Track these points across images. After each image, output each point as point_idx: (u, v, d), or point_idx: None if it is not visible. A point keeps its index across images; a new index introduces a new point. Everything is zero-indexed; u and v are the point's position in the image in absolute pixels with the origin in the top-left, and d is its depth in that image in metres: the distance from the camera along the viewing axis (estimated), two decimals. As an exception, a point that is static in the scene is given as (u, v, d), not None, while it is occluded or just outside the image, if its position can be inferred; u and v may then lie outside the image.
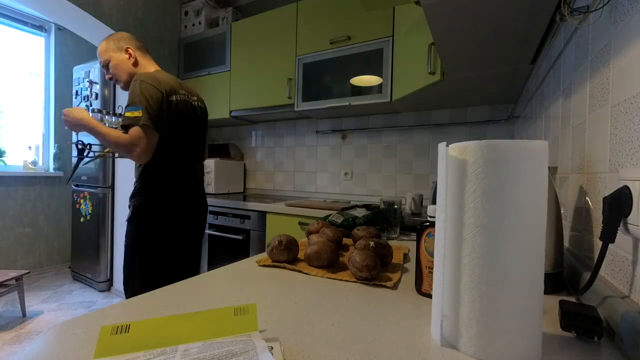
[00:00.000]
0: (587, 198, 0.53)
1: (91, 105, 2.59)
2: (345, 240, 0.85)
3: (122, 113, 1.09)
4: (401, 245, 0.80)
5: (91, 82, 2.58)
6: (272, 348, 0.32)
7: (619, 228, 0.38)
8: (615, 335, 0.36)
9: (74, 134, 1.24)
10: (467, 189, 0.33)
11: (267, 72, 2.14)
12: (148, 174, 1.14)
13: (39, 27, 2.99)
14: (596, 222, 0.49)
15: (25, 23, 2.91)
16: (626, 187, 0.37)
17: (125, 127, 1.07)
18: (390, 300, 0.47)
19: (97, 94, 2.56)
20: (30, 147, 3.00)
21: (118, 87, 2.54)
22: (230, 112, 2.34)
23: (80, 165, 1.27)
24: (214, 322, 0.34)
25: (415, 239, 0.70)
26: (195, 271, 1.28)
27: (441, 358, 0.33)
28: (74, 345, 0.33)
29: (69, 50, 3.13)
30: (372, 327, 0.39)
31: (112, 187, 2.59)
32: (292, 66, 2.02)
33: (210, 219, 2.05)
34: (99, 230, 2.57)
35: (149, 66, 1.24)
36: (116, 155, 1.31)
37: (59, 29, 3.04)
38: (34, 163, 2.97)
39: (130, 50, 1.21)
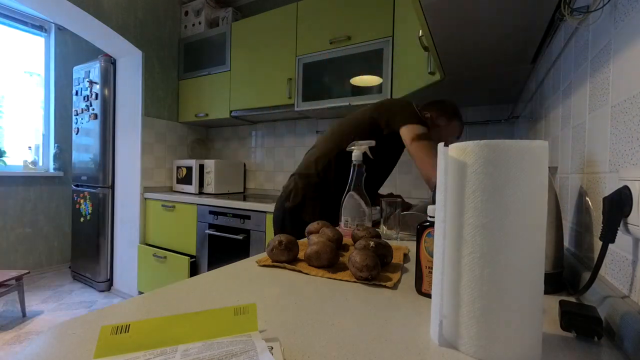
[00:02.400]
0: (587, 198, 0.53)
1: (91, 105, 2.59)
2: (345, 240, 0.85)
3: None
4: (401, 245, 0.80)
5: (91, 82, 2.59)
6: (272, 348, 0.32)
7: (619, 228, 0.38)
8: (615, 335, 0.36)
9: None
10: (466, 189, 0.33)
11: (267, 72, 2.14)
12: None
13: (39, 27, 2.99)
14: (596, 222, 0.49)
15: (25, 23, 2.91)
16: (626, 187, 0.37)
17: None
18: (390, 300, 0.47)
19: (97, 94, 2.56)
20: (30, 147, 3.01)
21: (118, 88, 2.57)
22: (230, 112, 2.34)
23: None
24: (214, 322, 0.34)
25: (415, 239, 0.70)
26: None
27: (441, 358, 0.33)
28: (74, 345, 0.33)
29: (69, 50, 3.13)
30: (372, 327, 0.39)
31: (112, 187, 2.60)
32: (292, 66, 2.02)
33: (210, 218, 2.05)
34: (99, 230, 2.57)
35: None
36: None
37: (59, 29, 3.04)
38: (34, 163, 2.97)
39: None
